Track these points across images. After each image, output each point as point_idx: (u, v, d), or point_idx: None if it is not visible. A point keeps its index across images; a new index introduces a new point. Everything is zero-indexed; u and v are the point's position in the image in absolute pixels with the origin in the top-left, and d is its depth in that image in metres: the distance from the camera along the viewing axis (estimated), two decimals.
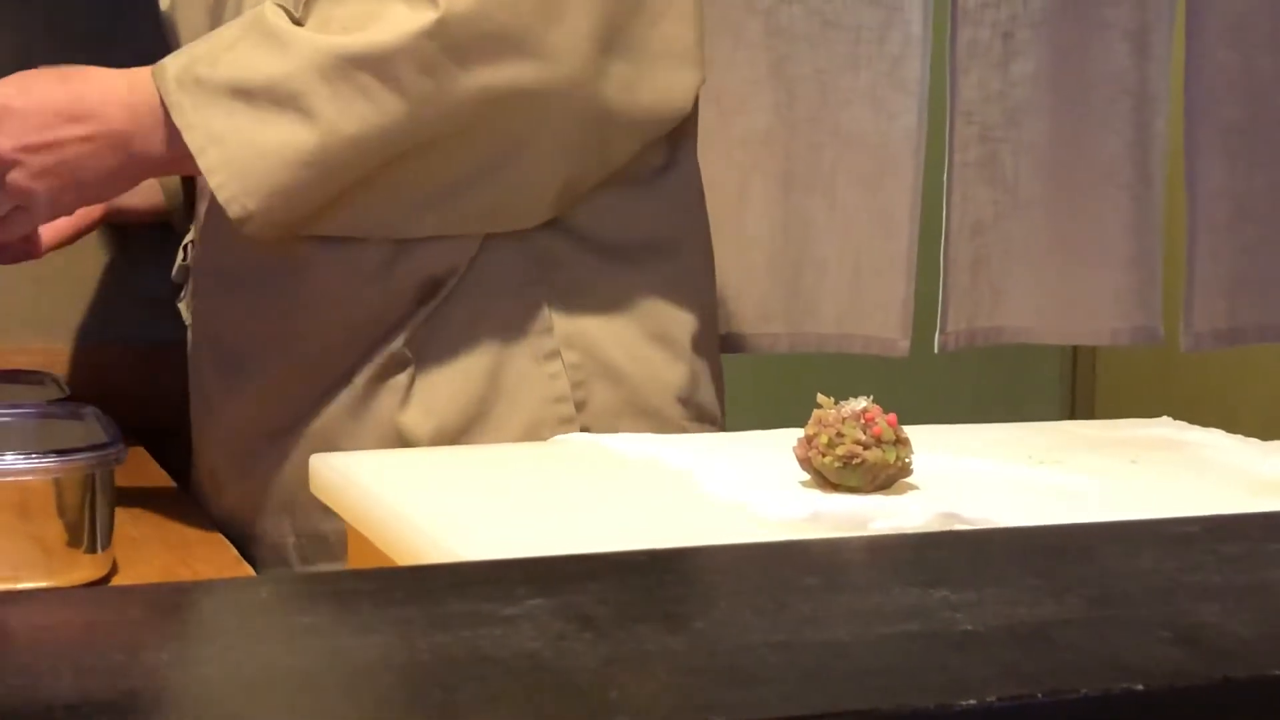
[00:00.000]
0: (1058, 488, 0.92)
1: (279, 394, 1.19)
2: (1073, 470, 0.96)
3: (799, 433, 0.90)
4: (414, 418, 1.16)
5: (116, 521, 1.01)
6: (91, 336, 1.55)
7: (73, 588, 0.96)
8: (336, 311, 1.17)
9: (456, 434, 1.16)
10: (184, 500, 1.28)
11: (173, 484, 1.33)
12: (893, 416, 0.88)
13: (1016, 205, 1.70)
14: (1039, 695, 0.51)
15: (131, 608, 0.59)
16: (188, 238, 1.38)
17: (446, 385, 1.17)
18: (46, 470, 0.96)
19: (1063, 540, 0.73)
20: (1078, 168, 1.71)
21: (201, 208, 1.27)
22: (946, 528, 0.81)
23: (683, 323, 1.24)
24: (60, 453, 0.98)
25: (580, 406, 1.18)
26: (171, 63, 1.13)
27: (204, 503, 1.27)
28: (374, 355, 1.17)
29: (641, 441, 1.02)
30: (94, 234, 1.53)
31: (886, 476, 0.88)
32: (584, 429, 1.17)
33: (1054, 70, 1.68)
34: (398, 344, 1.16)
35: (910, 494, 0.88)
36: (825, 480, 0.88)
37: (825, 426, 0.88)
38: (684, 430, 1.20)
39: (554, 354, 1.19)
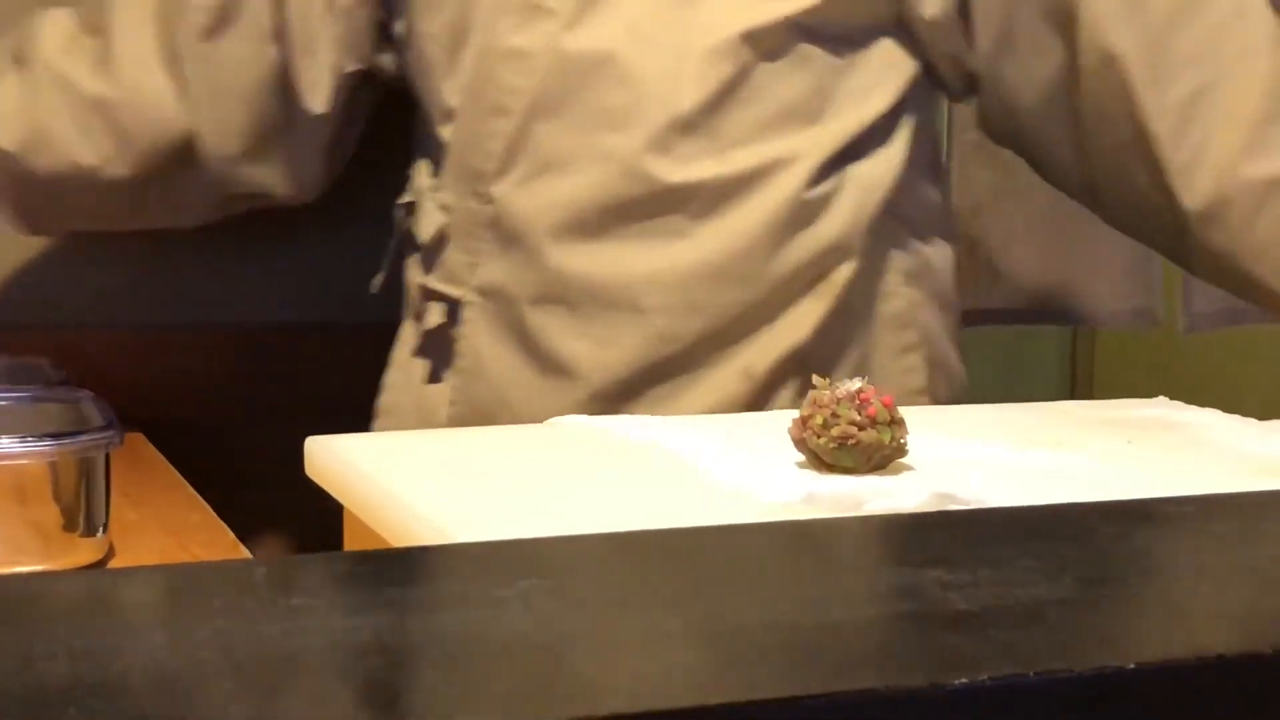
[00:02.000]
0: (1053, 468, 0.92)
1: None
2: (1068, 450, 0.96)
3: (794, 414, 0.90)
4: None
5: (113, 506, 1.02)
6: (88, 322, 1.54)
7: (68, 570, 0.96)
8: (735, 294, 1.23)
9: None
10: (181, 484, 1.29)
11: (170, 468, 1.33)
12: (888, 397, 0.88)
13: (1015, 187, 1.69)
14: (1031, 674, 0.51)
15: (125, 590, 0.59)
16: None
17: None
18: (42, 454, 0.96)
19: (1057, 520, 0.73)
20: None
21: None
22: (941, 508, 0.81)
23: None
24: (56, 436, 0.98)
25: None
26: None
27: None
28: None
29: (637, 424, 1.02)
30: None
31: (881, 457, 0.88)
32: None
33: None
34: None
35: (905, 474, 0.88)
36: (820, 461, 0.88)
37: (820, 407, 0.88)
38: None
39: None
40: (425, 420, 1.29)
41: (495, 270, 1.26)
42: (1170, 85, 1.21)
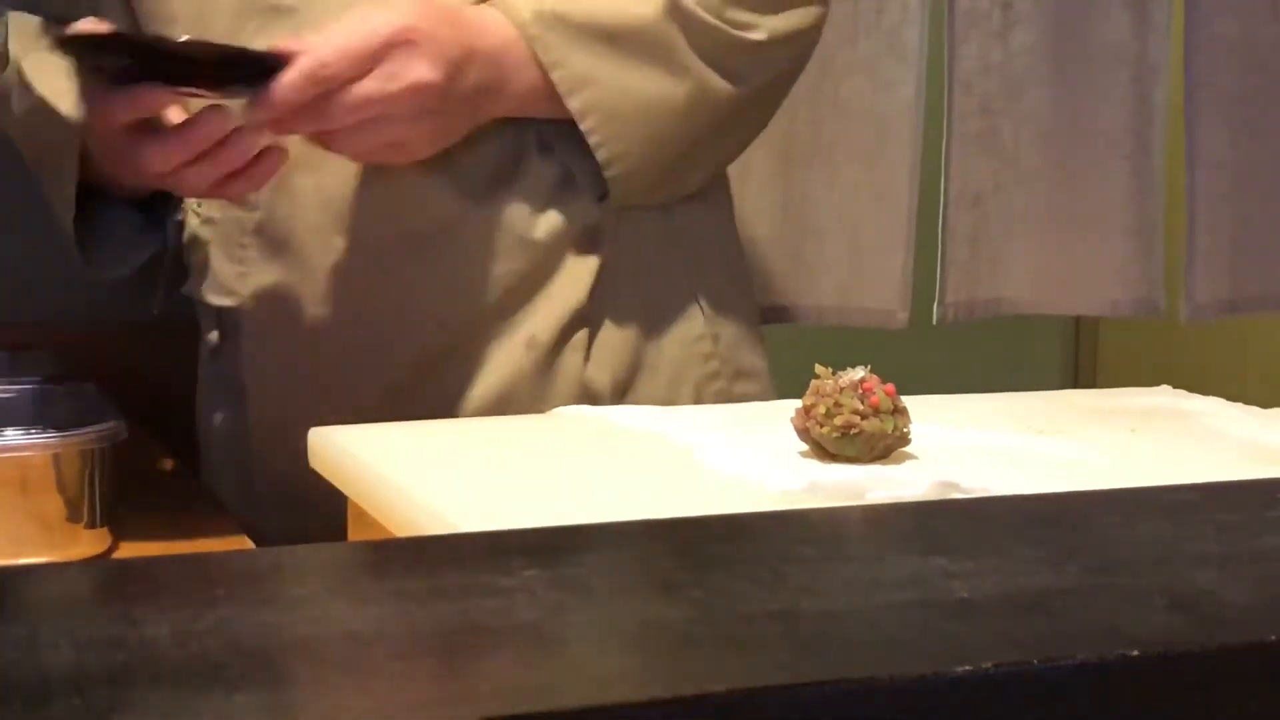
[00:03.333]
0: (1056, 457, 0.92)
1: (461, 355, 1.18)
2: (1071, 439, 0.96)
3: (797, 404, 0.90)
4: (594, 372, 1.18)
5: (116, 498, 1.02)
6: (93, 315, 1.54)
7: (72, 561, 0.96)
8: (504, 268, 1.17)
9: (626, 386, 1.19)
10: (184, 477, 1.29)
11: (173, 461, 1.33)
12: (890, 386, 0.88)
13: (1016, 176, 1.70)
14: (1035, 662, 0.51)
15: (129, 580, 0.60)
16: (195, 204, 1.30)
17: (617, 338, 1.19)
18: (46, 446, 0.97)
19: (1060, 509, 0.73)
20: (1078, 138, 1.70)
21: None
22: (944, 497, 0.81)
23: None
24: (60, 429, 0.98)
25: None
26: (520, 2, 1.11)
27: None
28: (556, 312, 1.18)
29: (641, 413, 1.02)
30: None
31: (884, 446, 0.88)
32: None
33: (1054, 40, 1.68)
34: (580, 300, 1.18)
35: (908, 464, 0.88)
36: (823, 450, 0.88)
37: (823, 397, 0.88)
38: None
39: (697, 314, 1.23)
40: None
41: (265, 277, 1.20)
42: None
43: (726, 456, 0.90)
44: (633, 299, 1.21)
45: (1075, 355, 2.33)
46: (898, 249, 1.64)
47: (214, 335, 1.25)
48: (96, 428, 0.99)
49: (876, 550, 0.66)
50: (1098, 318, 2.17)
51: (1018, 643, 0.52)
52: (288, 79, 1.02)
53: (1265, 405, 1.08)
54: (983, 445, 0.94)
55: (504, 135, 1.16)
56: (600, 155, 1.12)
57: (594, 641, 0.53)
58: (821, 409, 0.88)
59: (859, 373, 0.89)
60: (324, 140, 1.07)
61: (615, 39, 1.11)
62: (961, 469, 0.86)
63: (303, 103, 1.03)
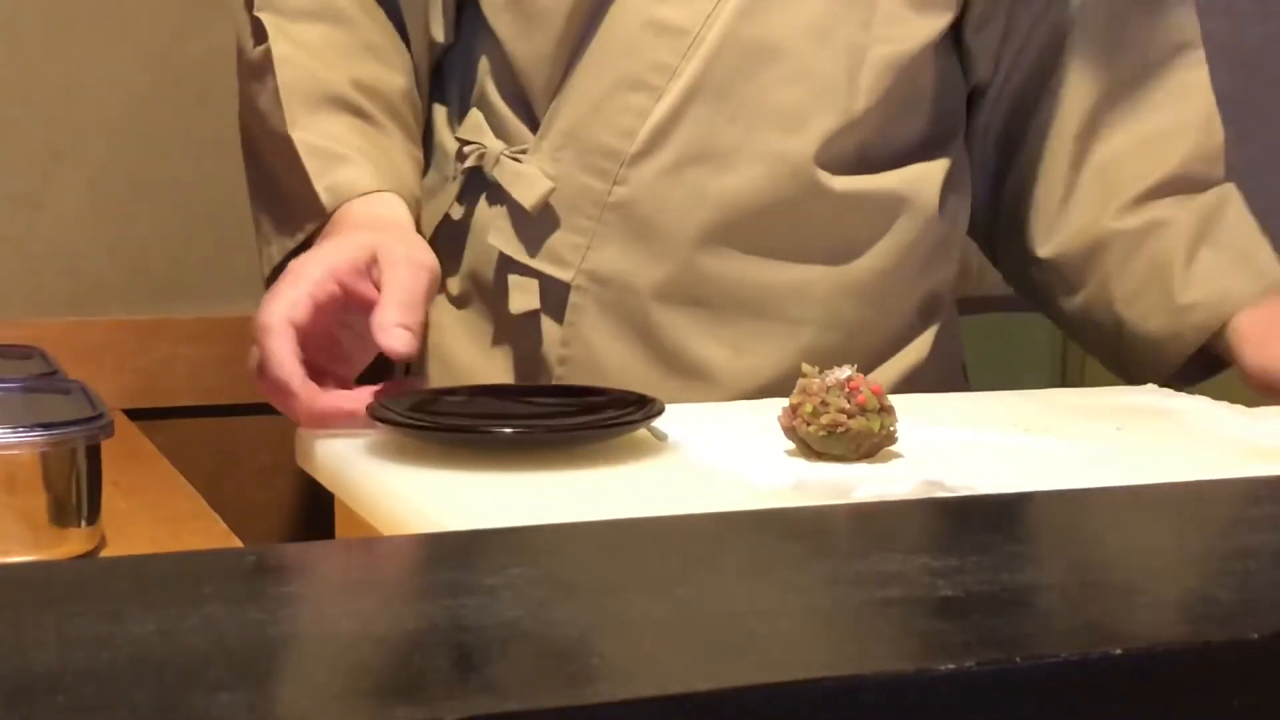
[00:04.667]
0: (1042, 455, 0.92)
1: None
2: (1057, 438, 0.96)
3: (784, 402, 0.90)
4: None
5: (105, 496, 1.01)
6: (80, 312, 1.54)
7: (59, 560, 0.96)
8: None
9: None
10: (172, 474, 1.29)
11: (161, 458, 1.33)
12: (877, 385, 0.89)
13: None
14: (1019, 660, 0.51)
15: (115, 578, 0.60)
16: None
17: None
18: (33, 444, 0.96)
19: (1045, 507, 0.73)
20: None
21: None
22: (930, 495, 0.81)
23: None
24: (46, 426, 0.97)
25: None
26: None
27: None
28: None
29: None
30: (81, 207, 1.53)
31: (871, 445, 0.88)
32: None
33: None
34: None
35: (895, 462, 0.89)
36: (810, 449, 0.88)
37: (810, 395, 0.88)
38: None
39: None
40: None
41: (610, 256, 1.17)
42: None
43: (713, 454, 0.90)
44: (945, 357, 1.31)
45: (1063, 353, 2.33)
46: None
47: (524, 301, 1.20)
48: (84, 426, 0.99)
49: (860, 548, 0.66)
50: None
51: (1000, 640, 0.52)
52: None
53: (1250, 405, 1.08)
54: (969, 444, 0.95)
55: None
56: None
57: (580, 640, 0.53)
58: (808, 408, 0.88)
59: (845, 371, 0.89)
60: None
61: None
62: (948, 468, 0.86)
63: None
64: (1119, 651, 0.52)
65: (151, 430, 1.41)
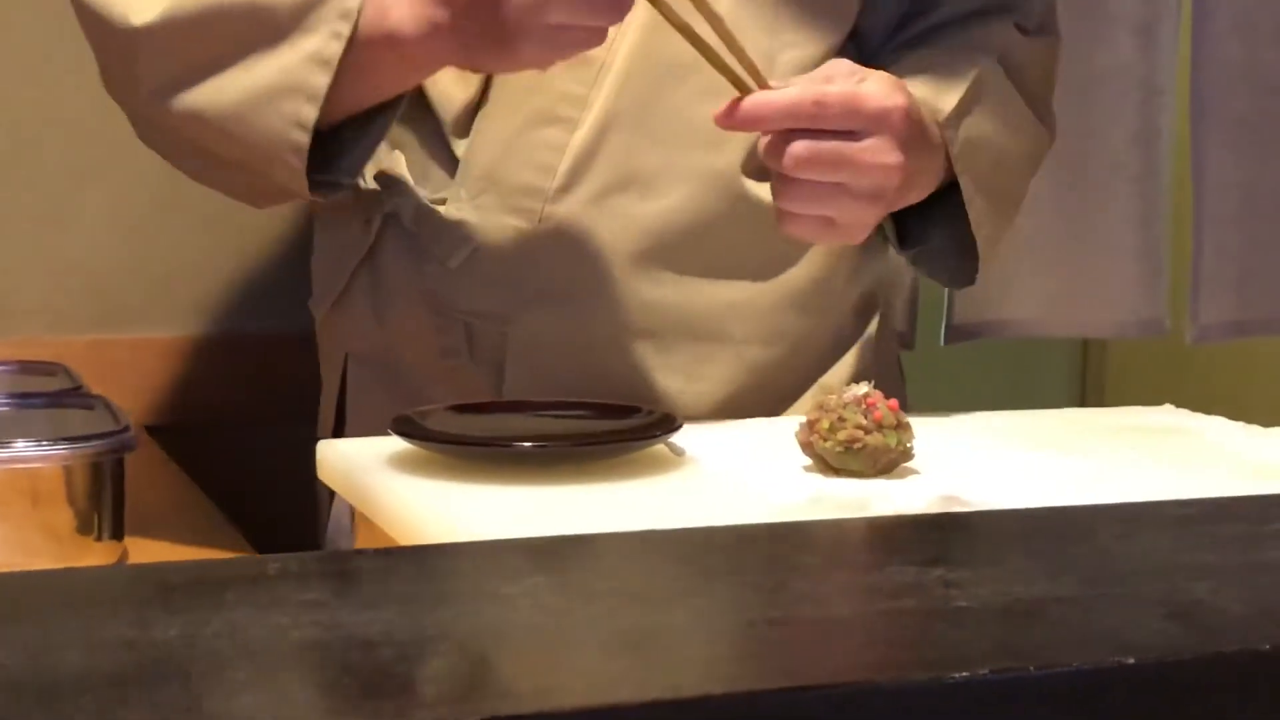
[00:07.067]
0: (1058, 473, 0.93)
1: None
2: (1073, 456, 0.97)
3: (801, 419, 0.91)
4: None
5: (126, 510, 1.02)
6: (103, 330, 1.55)
7: (84, 567, 0.97)
8: None
9: None
10: (192, 488, 1.29)
11: (181, 473, 1.34)
12: (894, 402, 0.89)
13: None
14: (1031, 669, 0.51)
15: (140, 583, 0.60)
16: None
17: None
18: (57, 458, 0.97)
19: (1059, 521, 0.74)
20: (1085, 161, 1.71)
21: None
22: (947, 511, 0.82)
23: None
24: (70, 440, 0.98)
25: None
26: None
27: None
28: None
29: None
30: (105, 226, 1.54)
31: (888, 461, 0.89)
32: None
33: (1061, 63, 1.69)
34: None
35: (911, 478, 0.89)
36: (827, 465, 0.89)
37: (827, 412, 0.89)
38: None
39: None
40: None
41: (544, 299, 1.13)
42: None
43: (731, 469, 0.90)
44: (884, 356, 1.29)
45: (1083, 377, 2.33)
46: (904, 270, 1.64)
47: (453, 343, 1.16)
48: (107, 440, 0.99)
49: (876, 560, 0.66)
50: (1105, 340, 2.17)
51: (1014, 649, 0.53)
52: (785, 93, 1.01)
53: (1268, 426, 1.08)
54: (985, 461, 0.95)
55: None
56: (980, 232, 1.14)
57: (598, 648, 0.54)
58: (825, 424, 0.88)
59: (863, 388, 0.89)
60: (778, 187, 1.04)
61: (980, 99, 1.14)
62: (964, 484, 0.87)
63: (775, 119, 1.01)
64: (1132, 661, 0.52)
65: (173, 447, 1.42)
